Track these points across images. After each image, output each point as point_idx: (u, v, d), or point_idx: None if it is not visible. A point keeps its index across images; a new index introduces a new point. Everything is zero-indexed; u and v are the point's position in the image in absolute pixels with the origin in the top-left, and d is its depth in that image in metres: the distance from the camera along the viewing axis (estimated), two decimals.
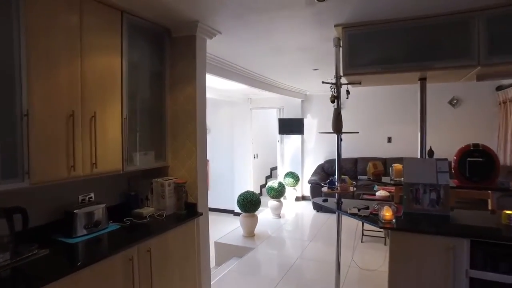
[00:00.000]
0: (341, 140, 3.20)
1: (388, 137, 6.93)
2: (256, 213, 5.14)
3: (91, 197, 2.48)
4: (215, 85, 6.07)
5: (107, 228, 2.33)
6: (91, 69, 2.13)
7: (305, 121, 7.43)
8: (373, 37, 2.65)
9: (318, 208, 6.55)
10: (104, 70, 2.23)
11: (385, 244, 4.68)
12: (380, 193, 4.95)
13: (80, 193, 2.40)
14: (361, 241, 4.86)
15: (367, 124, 7.04)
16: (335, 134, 3.18)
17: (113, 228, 2.35)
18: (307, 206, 7.06)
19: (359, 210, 2.82)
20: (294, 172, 7.31)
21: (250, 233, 5.10)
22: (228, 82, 5.44)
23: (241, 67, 4.37)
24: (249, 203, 4.91)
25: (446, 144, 6.68)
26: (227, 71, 4.20)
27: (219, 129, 8.28)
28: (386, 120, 6.91)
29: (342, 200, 3.30)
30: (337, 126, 3.06)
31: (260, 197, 8.61)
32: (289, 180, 7.17)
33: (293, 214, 6.55)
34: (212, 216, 7.96)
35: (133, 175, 2.83)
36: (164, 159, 2.83)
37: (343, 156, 7.16)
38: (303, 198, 7.69)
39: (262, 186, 8.84)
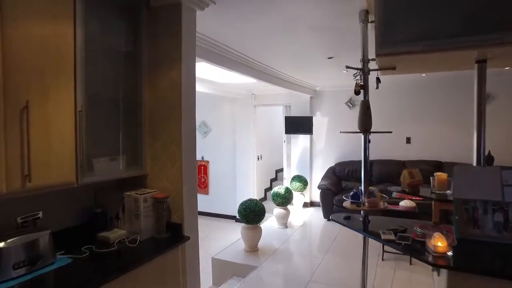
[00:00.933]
0: (369, 141, 2.53)
1: (406, 138, 6.23)
2: (259, 224, 4.48)
3: (37, 218, 1.84)
4: (214, 78, 5.43)
5: (52, 263, 1.68)
6: (22, 41, 1.48)
7: (314, 120, 6.76)
8: (416, 3, 1.97)
9: (328, 215, 5.87)
10: (46, 43, 1.58)
11: (410, 264, 3.99)
12: (405, 203, 4.26)
13: (21, 213, 1.76)
14: (382, 259, 4.18)
15: (383, 123, 6.33)
16: (353, 133, 2.50)
17: (62, 264, 1.70)
18: (316, 214, 6.38)
19: (395, 234, 2.14)
20: (301, 176, 6.64)
21: (252, 247, 4.44)
22: (228, 74, 4.79)
23: (241, 53, 3.70)
24: (252, 214, 4.25)
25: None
26: (225, 58, 3.53)
27: (220, 128, 7.65)
28: (405, 118, 6.22)
29: (369, 217, 2.62)
30: (365, 123, 2.39)
31: (264, 202, 7.99)
32: (297, 184, 6.49)
33: (301, 222, 5.88)
34: (211, 222, 7.35)
35: (102, 186, 2.18)
36: (140, 166, 2.17)
37: (356, 158, 6.47)
38: (312, 204, 7.02)
39: (267, 190, 8.19)
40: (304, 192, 6.71)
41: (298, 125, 6.77)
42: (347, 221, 2.64)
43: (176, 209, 2.16)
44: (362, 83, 2.41)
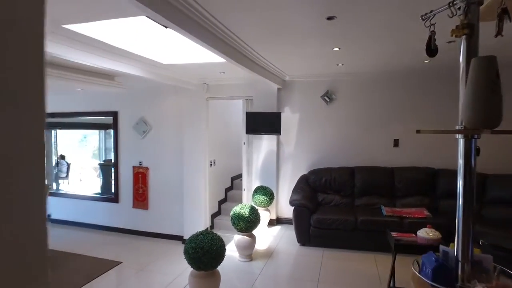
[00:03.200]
0: (478, 152, 1.20)
1: (394, 140, 5.15)
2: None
3: None
4: (152, 56, 3.88)
5: None
6: None
7: (283, 117, 5.44)
8: None
9: (304, 239, 4.57)
10: None
11: None
12: (426, 233, 3.02)
13: None
14: None
15: (366, 123, 5.22)
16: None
17: None
18: (287, 234, 5.06)
19: None
20: (266, 187, 5.28)
21: None
22: (171, 49, 3.27)
23: None
24: (206, 256, 2.77)
25: (486, 149, 5.06)
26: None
27: (163, 127, 6.07)
28: (392, 117, 5.14)
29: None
30: (491, 110, 1.06)
31: (218, 217, 6.52)
32: (261, 198, 5.12)
33: (269, 249, 4.51)
34: (152, 245, 5.66)
35: None
36: None
37: (334, 164, 5.26)
38: (278, 221, 5.68)
39: (221, 202, 6.73)
40: (270, 207, 5.36)
41: (262, 123, 5.40)
42: None
43: None
44: (467, 21, 1.08)
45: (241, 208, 3.98)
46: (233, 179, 7.28)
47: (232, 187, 7.21)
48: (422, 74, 4.88)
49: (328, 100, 5.31)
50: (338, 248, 4.39)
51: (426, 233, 2.92)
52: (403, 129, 5.08)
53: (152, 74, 4.52)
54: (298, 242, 4.59)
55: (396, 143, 5.13)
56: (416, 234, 3.05)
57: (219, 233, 5.90)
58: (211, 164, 6.12)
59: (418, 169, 4.86)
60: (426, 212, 4.33)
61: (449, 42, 3.21)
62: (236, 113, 6.99)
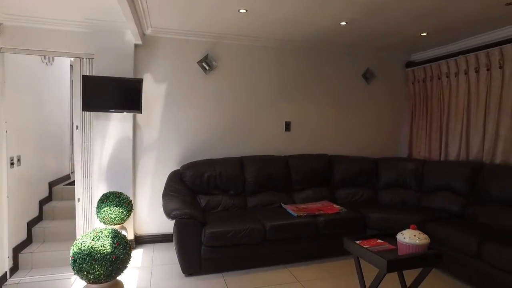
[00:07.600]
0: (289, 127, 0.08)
1: (286, 123, 4.27)
2: None
3: None
4: None
5: None
6: None
7: (144, 86, 3.68)
8: None
9: (192, 267, 3.05)
10: None
11: None
12: (415, 239, 2.07)
13: None
14: None
15: (255, 101, 4.15)
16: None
17: None
18: (158, 261, 3.38)
19: None
20: (121, 194, 3.43)
21: None
22: None
23: None
24: None
25: (364, 132, 4.72)
26: None
27: None
28: (284, 95, 4.24)
29: None
30: None
31: (29, 248, 4.05)
32: (114, 211, 3.25)
33: None
34: None
35: None
36: None
37: (217, 154, 3.71)
38: (138, 241, 3.88)
39: (33, 223, 4.26)
40: (126, 224, 3.54)
41: (111, 94, 3.48)
42: None
43: None
44: None
45: (95, 238, 2.11)
46: (52, 185, 4.82)
47: (51, 197, 4.74)
48: (330, 43, 4.17)
49: (207, 68, 3.92)
50: (242, 269, 3.13)
51: (415, 238, 2.01)
52: (296, 110, 4.28)
53: None
54: (184, 272, 3.03)
55: (287, 126, 4.27)
56: (399, 241, 2.11)
57: (29, 277, 3.60)
58: (12, 164, 3.65)
59: (312, 157, 4.17)
60: (336, 206, 3.64)
61: None
62: (60, 79, 4.60)
